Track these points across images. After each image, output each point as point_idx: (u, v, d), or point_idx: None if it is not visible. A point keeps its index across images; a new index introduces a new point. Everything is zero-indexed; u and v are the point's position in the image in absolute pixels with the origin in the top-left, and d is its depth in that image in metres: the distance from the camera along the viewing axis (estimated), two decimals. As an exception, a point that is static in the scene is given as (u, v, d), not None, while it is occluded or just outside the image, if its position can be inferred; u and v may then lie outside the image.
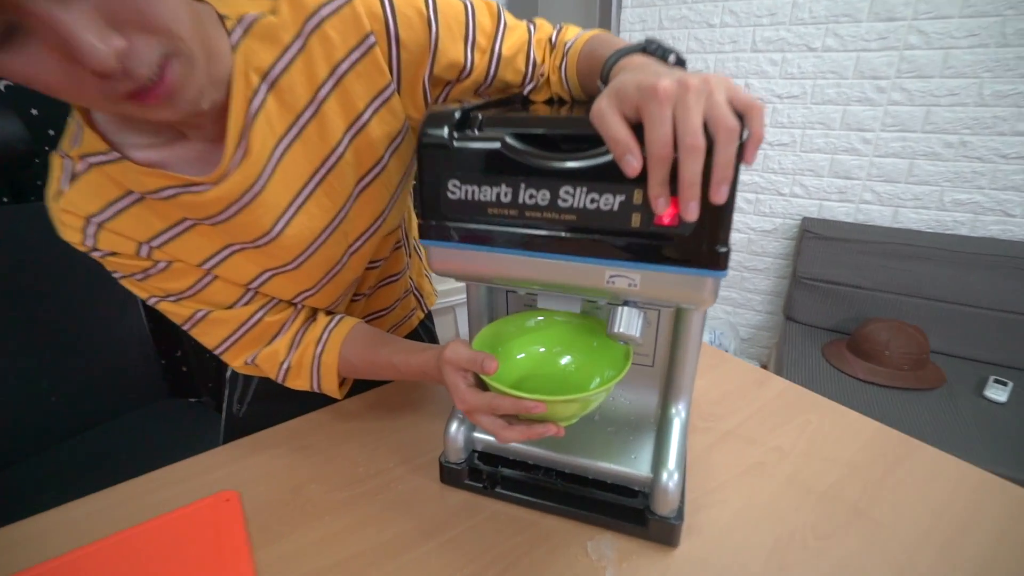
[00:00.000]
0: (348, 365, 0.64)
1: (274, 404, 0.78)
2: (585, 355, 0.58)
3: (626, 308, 0.45)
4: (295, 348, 0.65)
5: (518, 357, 0.58)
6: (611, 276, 0.42)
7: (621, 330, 0.44)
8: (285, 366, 0.65)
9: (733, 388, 0.80)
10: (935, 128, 1.64)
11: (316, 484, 0.62)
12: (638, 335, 0.44)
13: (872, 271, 1.75)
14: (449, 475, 0.61)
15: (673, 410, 0.57)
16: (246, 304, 0.62)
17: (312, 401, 0.74)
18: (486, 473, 0.60)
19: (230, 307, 0.61)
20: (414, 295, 0.85)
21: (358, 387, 0.79)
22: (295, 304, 0.66)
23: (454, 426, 0.60)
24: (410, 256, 0.81)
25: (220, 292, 0.60)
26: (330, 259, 0.62)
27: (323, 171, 0.56)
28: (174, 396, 1.26)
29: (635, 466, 0.55)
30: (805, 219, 1.91)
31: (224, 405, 0.83)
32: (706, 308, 0.44)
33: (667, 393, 0.58)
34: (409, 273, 0.82)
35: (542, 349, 0.59)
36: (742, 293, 2.15)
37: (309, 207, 0.57)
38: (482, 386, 0.50)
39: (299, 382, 0.67)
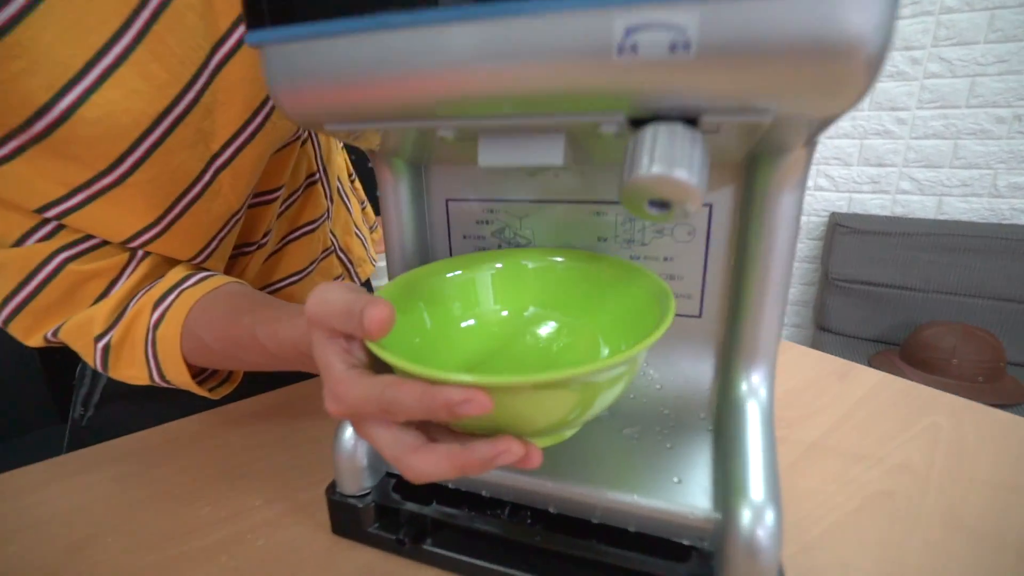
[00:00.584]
0: (197, 343, 0.39)
1: (132, 406, 0.52)
2: (579, 315, 0.33)
3: (664, 127, 0.20)
4: (122, 317, 0.40)
5: (462, 325, 0.33)
6: (632, 28, 0.18)
7: (654, 170, 0.19)
8: (104, 342, 0.40)
9: (804, 382, 0.54)
10: (982, 101, 1.43)
11: (118, 538, 0.36)
12: (695, 184, 0.19)
13: (920, 268, 1.50)
14: (343, 519, 0.35)
15: (744, 387, 0.31)
16: (41, 240, 0.38)
17: (187, 403, 0.48)
18: (407, 516, 0.33)
19: (14, 245, 0.37)
20: (339, 257, 0.60)
21: (267, 383, 0.53)
22: (131, 250, 0.41)
23: (348, 432, 0.34)
24: (331, 200, 0.57)
25: None
26: (180, 173, 0.38)
27: (145, 14, 0.33)
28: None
29: (682, 498, 0.28)
30: (834, 214, 1.67)
31: (71, 411, 0.57)
32: (843, 110, 0.19)
33: (731, 360, 0.32)
34: (330, 225, 0.58)
35: (504, 312, 0.34)
36: (764, 304, 1.89)
37: (124, 75, 0.34)
38: (383, 368, 0.25)
39: (131, 371, 0.41)
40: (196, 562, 0.33)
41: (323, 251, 0.57)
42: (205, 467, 0.42)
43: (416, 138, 0.27)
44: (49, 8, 0.31)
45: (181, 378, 0.41)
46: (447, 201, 0.37)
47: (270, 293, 0.54)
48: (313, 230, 0.55)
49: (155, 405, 0.51)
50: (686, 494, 0.29)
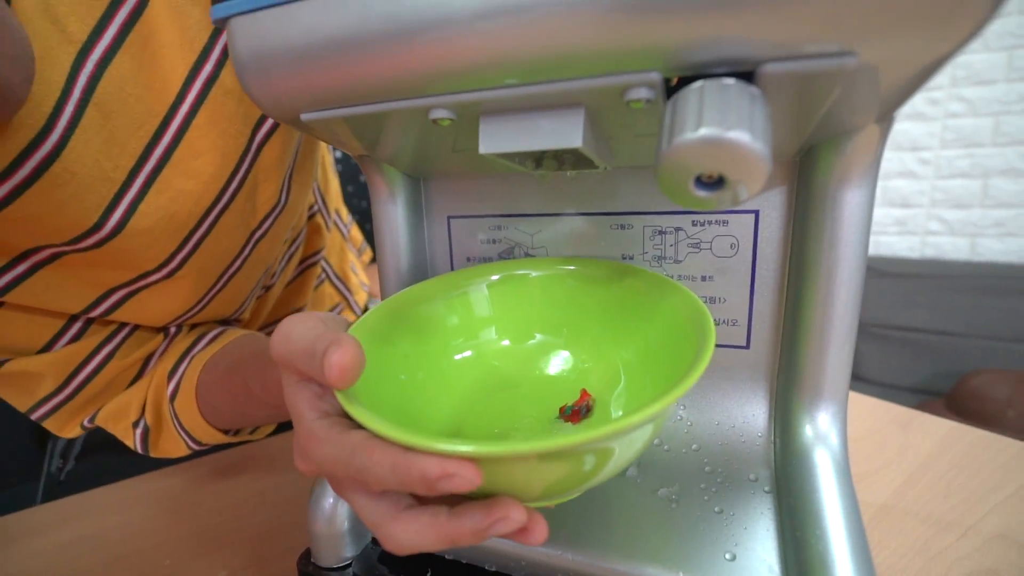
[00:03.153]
0: (210, 408, 0.35)
1: (113, 456, 0.47)
2: (596, 342, 0.28)
3: (712, 83, 0.15)
4: (149, 396, 0.37)
5: (457, 358, 0.28)
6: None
7: (703, 132, 0.14)
8: (141, 428, 0.37)
9: (862, 432, 0.47)
10: (1010, 139, 1.39)
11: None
12: (758, 149, 0.14)
13: (959, 313, 1.41)
14: (318, 600, 0.28)
15: (808, 432, 0.25)
16: (71, 341, 0.35)
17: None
18: (395, 595, 0.27)
19: (42, 351, 0.34)
20: (334, 286, 0.56)
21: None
22: (166, 329, 0.38)
23: (326, 492, 0.28)
24: (329, 229, 0.54)
25: (17, 327, 0.33)
26: (226, 255, 0.37)
27: (184, 109, 0.32)
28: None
29: (741, 577, 0.22)
30: (861, 257, 1.61)
31: (44, 464, 0.52)
32: (951, 47, 0.15)
33: (790, 400, 0.26)
34: (325, 252, 0.54)
35: (505, 342, 0.29)
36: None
37: (168, 177, 0.32)
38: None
39: (169, 446, 0.38)
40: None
41: (316, 279, 0.54)
42: (171, 528, 0.37)
43: (410, 133, 0.24)
44: (88, 125, 0.29)
45: (214, 439, 0.37)
46: (449, 218, 0.33)
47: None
48: (315, 262, 0.52)
49: (137, 455, 0.46)
50: (744, 573, 0.22)
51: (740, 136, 0.14)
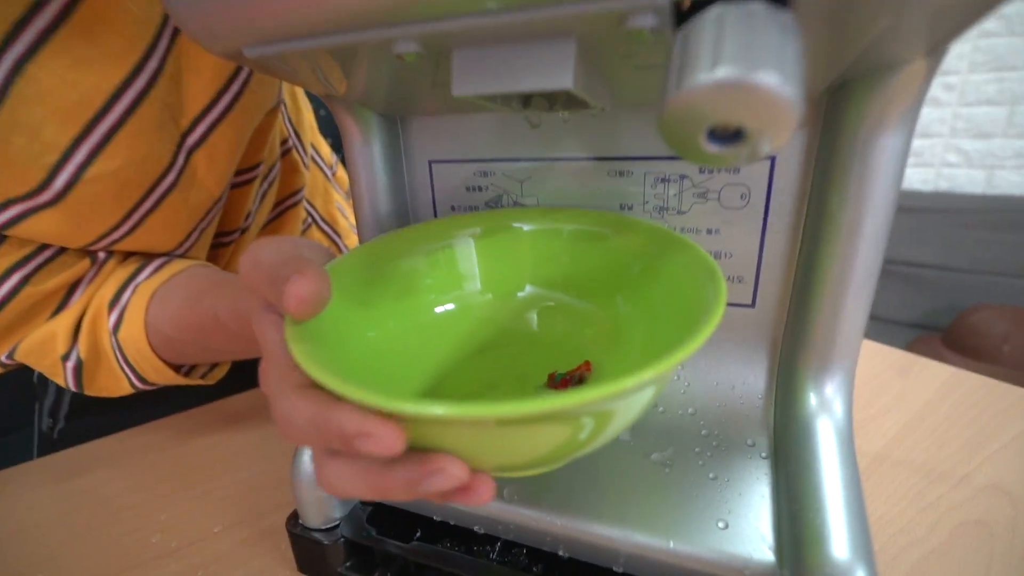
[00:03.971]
0: (162, 340, 0.33)
1: (106, 415, 0.47)
2: (591, 297, 0.26)
3: (734, 8, 0.12)
4: (84, 326, 0.34)
5: (437, 311, 0.26)
6: None
7: (721, 74, 0.11)
8: (73, 361, 0.34)
9: (861, 379, 0.47)
10: (1044, 62, 1.29)
11: (47, 573, 0.30)
12: (789, 96, 0.11)
13: (967, 248, 1.38)
14: (308, 557, 0.28)
15: (812, 401, 0.24)
16: None
17: (167, 404, 0.43)
18: (383, 555, 0.27)
19: None
20: (321, 229, 0.54)
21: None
22: (92, 254, 0.35)
23: (305, 448, 0.27)
24: (307, 166, 0.50)
25: None
26: (150, 162, 0.32)
27: None
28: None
29: (731, 546, 0.21)
30: (871, 190, 1.55)
31: (35, 421, 0.52)
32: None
33: (795, 365, 0.25)
34: (305, 193, 0.51)
35: (488, 295, 0.27)
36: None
37: (66, 43, 0.27)
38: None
39: (109, 382, 0.36)
40: (131, 607, 0.27)
41: (302, 222, 0.51)
42: (163, 482, 0.37)
43: (377, 71, 0.20)
44: None
45: (163, 377, 0.35)
46: (430, 163, 0.30)
47: None
48: (296, 203, 0.49)
49: (132, 412, 0.45)
50: (737, 541, 0.22)
51: (768, 79, 0.11)
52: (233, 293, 0.30)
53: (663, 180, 0.25)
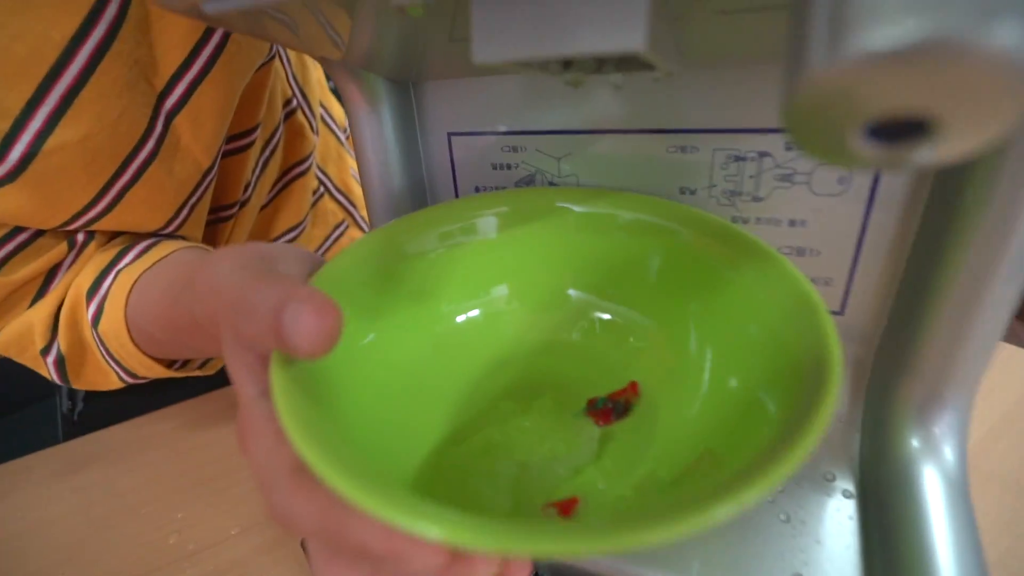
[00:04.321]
0: (145, 336, 0.30)
1: (126, 396, 0.46)
2: (654, 316, 0.22)
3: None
4: (63, 317, 0.32)
5: (459, 320, 0.22)
6: None
7: (906, 29, 0.07)
8: (54, 356, 0.32)
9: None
10: None
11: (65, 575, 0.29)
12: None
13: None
14: None
15: (914, 443, 0.20)
16: None
17: (188, 385, 0.42)
18: None
19: None
20: (335, 199, 0.50)
21: None
22: (70, 236, 0.32)
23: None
24: (316, 131, 0.46)
25: None
26: (123, 127, 0.28)
27: None
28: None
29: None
30: None
31: (57, 403, 0.51)
32: None
33: (893, 394, 0.20)
34: (317, 161, 0.47)
35: (522, 299, 0.23)
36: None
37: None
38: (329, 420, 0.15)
39: (97, 377, 0.34)
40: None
41: (314, 195, 0.47)
42: (181, 476, 0.35)
43: (377, 28, 0.16)
44: None
45: (153, 372, 0.33)
46: (449, 136, 0.25)
47: None
48: (304, 171, 0.45)
49: (152, 392, 0.44)
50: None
51: (1006, 36, 0.07)
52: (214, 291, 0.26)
53: (737, 158, 0.20)
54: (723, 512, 0.11)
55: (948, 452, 0.19)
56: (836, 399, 0.13)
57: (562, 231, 0.23)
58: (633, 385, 0.20)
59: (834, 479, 0.21)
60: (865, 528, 0.19)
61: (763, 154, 0.20)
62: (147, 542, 0.31)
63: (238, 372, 0.15)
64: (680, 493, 0.16)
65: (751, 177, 0.20)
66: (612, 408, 0.20)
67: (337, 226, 0.50)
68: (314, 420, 0.13)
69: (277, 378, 0.13)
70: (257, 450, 0.14)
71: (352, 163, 0.53)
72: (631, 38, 0.11)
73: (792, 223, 0.21)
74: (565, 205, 0.23)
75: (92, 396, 0.47)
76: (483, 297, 0.23)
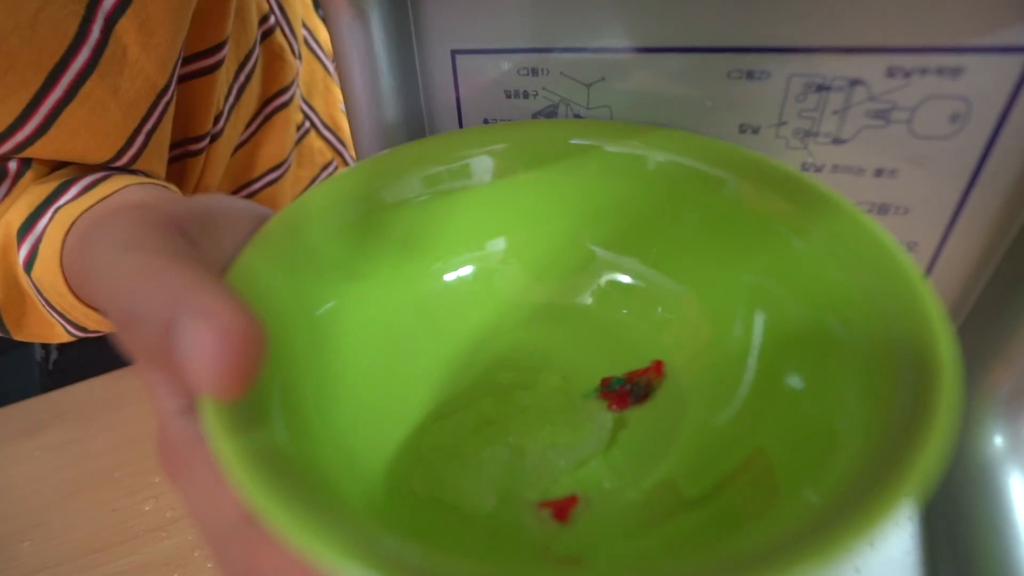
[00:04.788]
0: (86, 289, 0.26)
1: (102, 347, 0.43)
2: (680, 278, 0.18)
3: None
4: None
5: (447, 278, 0.19)
6: None
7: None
8: None
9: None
10: None
11: (36, 545, 0.27)
12: None
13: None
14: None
15: (998, 440, 0.17)
16: None
17: None
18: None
19: None
20: (321, 136, 0.45)
21: None
22: (2, 167, 0.27)
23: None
24: (299, 55, 0.40)
25: None
26: (47, 29, 0.23)
27: None
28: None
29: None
30: None
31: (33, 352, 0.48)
32: None
33: (978, 384, 0.17)
34: (301, 90, 0.42)
35: (529, 254, 0.19)
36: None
37: None
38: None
39: (41, 329, 0.29)
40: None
41: (299, 131, 0.42)
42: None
43: None
44: None
45: (103, 325, 0.29)
46: (453, 55, 0.20)
47: None
48: (287, 103, 0.40)
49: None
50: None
51: None
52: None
53: (819, 87, 0.16)
54: (807, 570, 0.08)
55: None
56: (955, 407, 0.10)
57: (576, 175, 0.19)
58: (657, 364, 0.17)
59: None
60: (929, 535, 0.17)
61: (855, 82, 0.16)
62: (121, 508, 0.28)
63: (150, 377, 0.11)
64: (714, 516, 0.12)
65: (835, 113, 0.16)
66: (630, 390, 0.17)
67: (325, 166, 0.45)
68: (262, 444, 0.10)
69: (207, 399, 0.10)
70: (191, 490, 0.11)
71: (341, 97, 0.47)
72: None
73: (879, 173, 0.17)
74: (581, 142, 0.18)
75: (66, 344, 0.44)
76: (476, 251, 0.19)
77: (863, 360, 0.12)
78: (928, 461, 0.09)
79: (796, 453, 0.12)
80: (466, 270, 0.19)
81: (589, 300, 0.19)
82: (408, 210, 0.18)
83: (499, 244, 0.19)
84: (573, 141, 0.19)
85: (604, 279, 0.19)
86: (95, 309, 0.27)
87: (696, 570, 0.10)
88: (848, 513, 0.09)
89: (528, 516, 0.14)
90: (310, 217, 0.16)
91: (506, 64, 0.20)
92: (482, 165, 0.19)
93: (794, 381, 0.14)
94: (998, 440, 0.17)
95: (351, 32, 0.20)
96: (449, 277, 0.19)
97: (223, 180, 0.38)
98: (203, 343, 0.09)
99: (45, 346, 0.44)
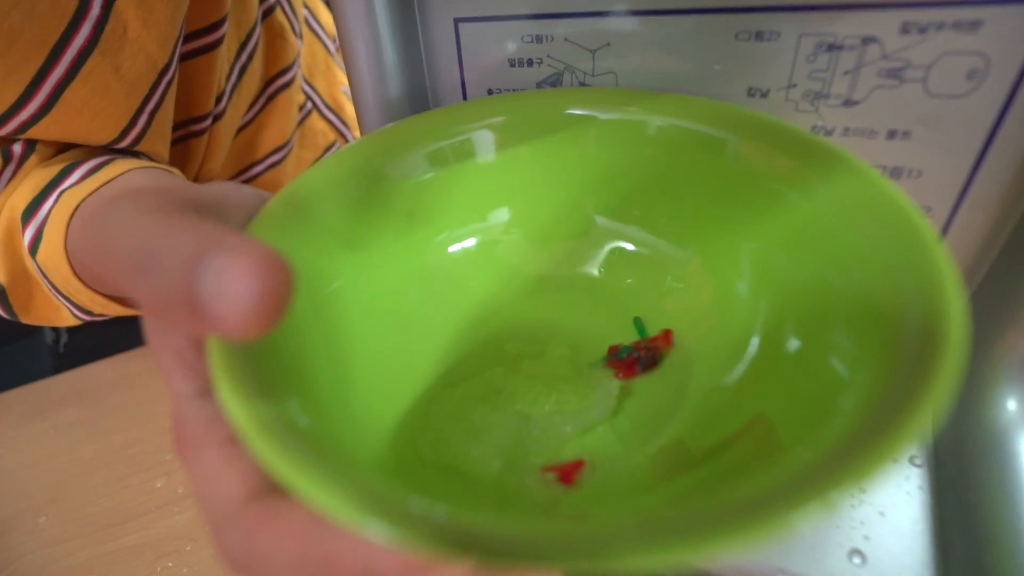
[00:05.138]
0: (88, 272, 0.26)
1: (112, 330, 0.43)
2: (685, 244, 0.17)
3: None
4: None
5: (451, 250, 0.19)
6: None
7: None
8: None
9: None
10: None
11: (51, 520, 0.28)
12: None
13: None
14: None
15: (1011, 406, 0.16)
16: None
17: None
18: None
19: None
20: (324, 117, 0.45)
21: None
22: (6, 146, 0.27)
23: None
24: (299, 34, 0.40)
25: None
26: (45, 4, 0.22)
27: None
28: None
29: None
30: None
31: (44, 336, 0.48)
32: None
33: (991, 349, 0.17)
34: (303, 71, 0.42)
35: (531, 224, 0.19)
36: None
37: None
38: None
39: (48, 312, 0.29)
40: (133, 567, 0.25)
41: (301, 111, 0.42)
42: (170, 415, 0.33)
43: None
44: None
45: (109, 309, 0.29)
46: (456, 23, 0.20)
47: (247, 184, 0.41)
48: (289, 83, 0.39)
49: (137, 323, 0.41)
50: (879, 579, 0.16)
51: None
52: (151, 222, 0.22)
53: (831, 47, 0.16)
54: (803, 513, 0.08)
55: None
56: (958, 366, 0.10)
57: (576, 144, 0.18)
58: (666, 333, 0.17)
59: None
60: (939, 503, 0.17)
61: (867, 40, 0.15)
62: (133, 484, 0.29)
63: (164, 360, 0.11)
64: (717, 473, 0.12)
65: (846, 73, 0.16)
66: (638, 359, 0.17)
67: (328, 148, 0.45)
68: (276, 413, 0.10)
69: (222, 372, 0.10)
70: (196, 471, 0.11)
71: (343, 79, 0.47)
72: None
73: (892, 135, 0.16)
74: (580, 111, 0.18)
75: (76, 327, 0.44)
76: (480, 223, 0.19)
77: (870, 321, 0.12)
78: (923, 417, 0.09)
79: (799, 413, 0.12)
80: (470, 241, 0.19)
81: (595, 270, 0.19)
82: (411, 183, 0.18)
83: (502, 215, 0.19)
84: (572, 110, 0.18)
85: (608, 247, 0.19)
86: (100, 293, 0.27)
87: (696, 514, 0.10)
88: (842, 462, 0.09)
89: (533, 479, 0.14)
90: (314, 192, 0.16)
91: (510, 31, 0.19)
92: (483, 137, 0.19)
93: (799, 342, 0.14)
94: (1011, 405, 0.16)
95: (353, 2, 0.19)
96: (454, 248, 0.19)
97: (226, 163, 0.38)
98: (234, 274, 0.09)
99: (55, 329, 0.44)
